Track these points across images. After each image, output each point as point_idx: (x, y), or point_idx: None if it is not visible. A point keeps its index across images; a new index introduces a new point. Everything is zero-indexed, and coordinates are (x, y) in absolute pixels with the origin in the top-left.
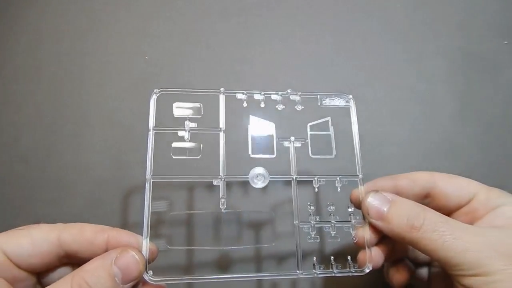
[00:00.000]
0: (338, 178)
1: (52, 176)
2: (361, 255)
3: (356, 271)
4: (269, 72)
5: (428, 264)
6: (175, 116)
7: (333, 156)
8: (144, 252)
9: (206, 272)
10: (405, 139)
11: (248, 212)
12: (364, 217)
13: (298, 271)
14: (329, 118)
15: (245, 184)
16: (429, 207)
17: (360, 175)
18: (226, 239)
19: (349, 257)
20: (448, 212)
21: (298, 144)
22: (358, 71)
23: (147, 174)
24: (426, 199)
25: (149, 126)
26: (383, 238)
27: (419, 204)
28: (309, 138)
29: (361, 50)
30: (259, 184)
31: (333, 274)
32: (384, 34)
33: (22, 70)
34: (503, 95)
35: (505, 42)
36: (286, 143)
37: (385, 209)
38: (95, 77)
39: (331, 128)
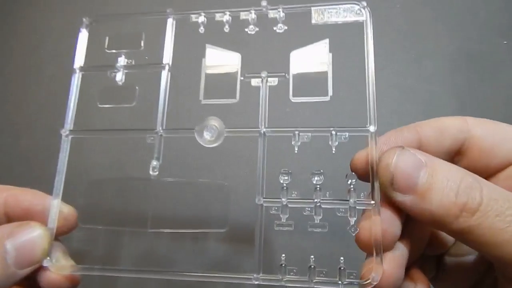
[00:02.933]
0: (333, 132)
1: (52, 176)
2: (366, 265)
3: (348, 284)
4: None
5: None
6: (107, 50)
7: (328, 98)
8: (53, 216)
9: (127, 264)
10: None
11: (190, 182)
12: (373, 195)
13: (255, 274)
14: (326, 41)
15: (193, 142)
16: None
17: (372, 128)
18: (157, 219)
19: (341, 259)
20: (486, 176)
21: (273, 83)
22: (358, 71)
23: (65, 127)
24: (456, 157)
25: (75, 66)
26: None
27: (469, 172)
28: (291, 73)
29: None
30: (209, 141)
31: (309, 285)
32: (384, 34)
33: (22, 70)
34: (503, 95)
35: (505, 42)
36: (255, 81)
37: (419, 177)
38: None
39: (329, 56)
